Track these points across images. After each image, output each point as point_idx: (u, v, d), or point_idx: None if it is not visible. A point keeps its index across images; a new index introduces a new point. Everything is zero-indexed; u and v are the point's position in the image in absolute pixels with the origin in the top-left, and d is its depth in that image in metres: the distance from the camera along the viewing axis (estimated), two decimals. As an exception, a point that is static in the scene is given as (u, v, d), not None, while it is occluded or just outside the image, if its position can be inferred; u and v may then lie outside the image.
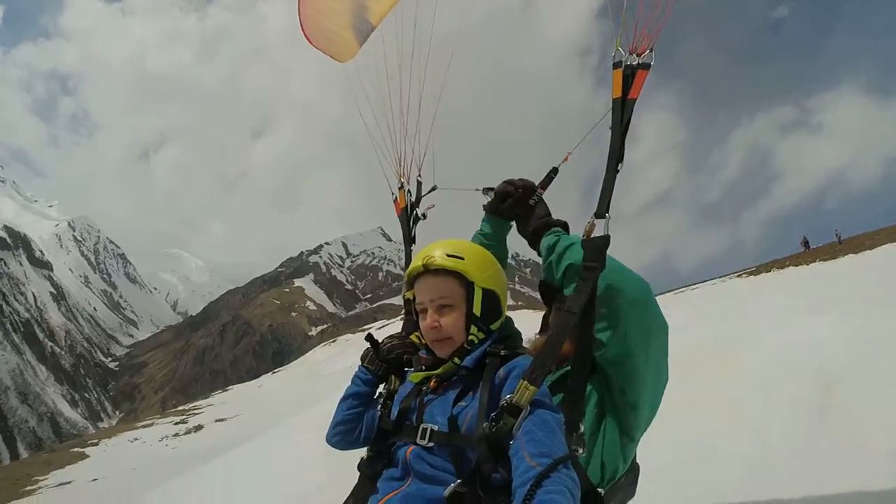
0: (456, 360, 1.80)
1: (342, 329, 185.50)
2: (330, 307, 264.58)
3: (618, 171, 1.84)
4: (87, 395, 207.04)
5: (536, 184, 2.25)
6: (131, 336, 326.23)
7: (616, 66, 1.86)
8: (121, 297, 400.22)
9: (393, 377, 2.02)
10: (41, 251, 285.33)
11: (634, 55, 1.86)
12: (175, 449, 24.06)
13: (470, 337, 1.81)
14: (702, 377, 6.34)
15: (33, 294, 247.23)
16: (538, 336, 2.26)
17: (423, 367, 1.87)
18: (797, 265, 21.75)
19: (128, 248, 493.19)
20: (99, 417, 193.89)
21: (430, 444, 1.63)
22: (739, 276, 24.09)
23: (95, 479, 20.19)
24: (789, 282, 17.63)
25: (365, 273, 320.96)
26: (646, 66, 1.84)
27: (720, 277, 26.47)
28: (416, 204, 2.74)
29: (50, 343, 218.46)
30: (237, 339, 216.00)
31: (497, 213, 2.34)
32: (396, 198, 2.77)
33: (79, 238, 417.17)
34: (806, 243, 31.90)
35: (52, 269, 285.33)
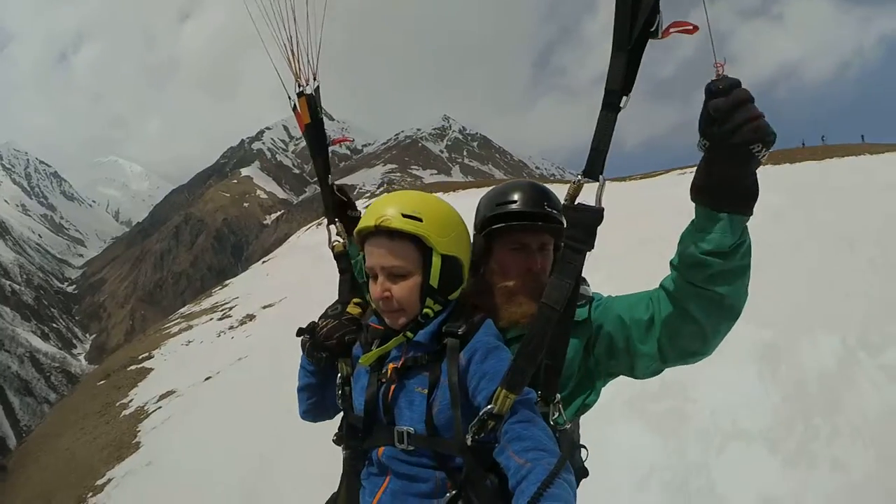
0: (408, 333, 1.58)
1: (297, 216, 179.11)
2: (280, 193, 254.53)
3: (620, 109, 1.26)
4: (55, 325, 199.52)
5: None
6: (81, 256, 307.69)
7: None
8: (62, 217, 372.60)
9: (342, 363, 1.74)
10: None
11: None
12: (250, 337, 19.86)
13: (425, 310, 1.57)
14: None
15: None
16: None
17: (375, 342, 1.64)
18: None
19: (59, 165, 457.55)
20: (72, 345, 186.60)
21: (411, 448, 1.50)
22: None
23: (209, 378, 15.77)
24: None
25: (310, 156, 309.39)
26: None
27: (679, 169, 27.43)
28: (320, 122, 1.98)
29: (7, 282, 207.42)
30: (193, 237, 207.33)
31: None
32: (296, 106, 1.96)
33: (7, 166, 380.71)
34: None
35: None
